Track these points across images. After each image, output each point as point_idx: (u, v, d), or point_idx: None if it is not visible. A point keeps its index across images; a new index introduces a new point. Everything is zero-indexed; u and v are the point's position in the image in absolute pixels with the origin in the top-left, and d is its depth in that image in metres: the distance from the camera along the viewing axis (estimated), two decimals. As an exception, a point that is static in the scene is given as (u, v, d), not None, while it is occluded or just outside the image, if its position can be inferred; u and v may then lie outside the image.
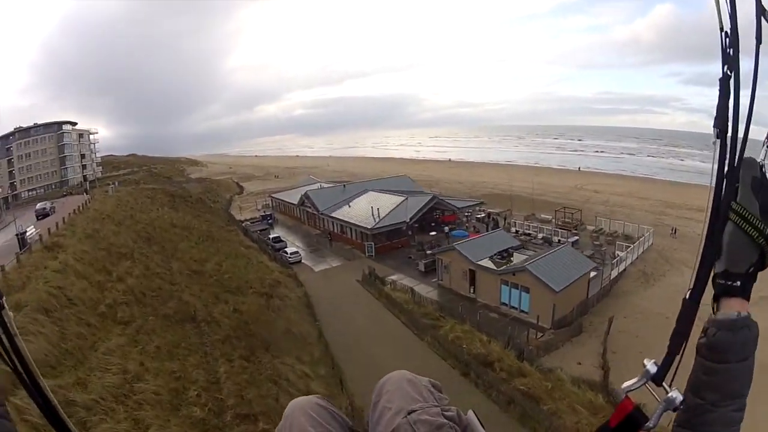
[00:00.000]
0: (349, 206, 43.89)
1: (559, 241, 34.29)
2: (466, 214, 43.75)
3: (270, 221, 51.83)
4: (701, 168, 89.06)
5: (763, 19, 0.88)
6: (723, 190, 0.83)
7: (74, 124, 73.54)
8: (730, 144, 0.85)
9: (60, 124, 70.44)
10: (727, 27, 0.88)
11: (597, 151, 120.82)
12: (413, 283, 29.78)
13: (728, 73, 0.88)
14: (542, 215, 43.16)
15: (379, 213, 38.15)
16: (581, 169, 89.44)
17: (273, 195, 60.76)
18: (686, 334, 0.83)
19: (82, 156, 73.50)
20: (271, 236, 43.77)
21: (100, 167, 79.86)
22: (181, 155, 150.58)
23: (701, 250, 0.81)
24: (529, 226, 39.21)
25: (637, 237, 35.37)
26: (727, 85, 0.88)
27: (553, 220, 41.22)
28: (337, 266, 35.32)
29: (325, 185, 54.66)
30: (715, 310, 0.81)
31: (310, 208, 47.55)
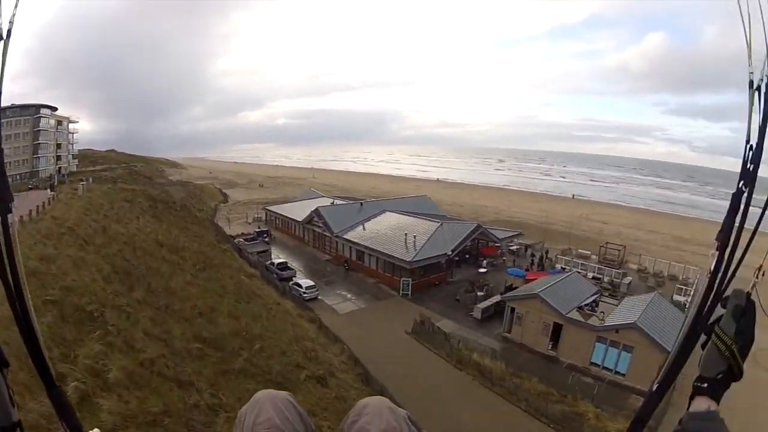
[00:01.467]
0: (364, 228, 38.56)
1: (621, 283, 31.82)
2: (497, 245, 39.61)
3: (266, 239, 44.31)
4: (695, 201, 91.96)
5: None
6: (712, 311, 0.95)
7: (54, 109, 67.29)
8: (726, 261, 0.91)
9: (38, 107, 64.30)
10: (753, 140, 0.87)
11: (591, 180, 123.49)
12: (471, 334, 25.31)
13: (743, 188, 0.89)
14: (579, 250, 40.35)
15: (415, 242, 32.94)
16: (575, 196, 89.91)
17: (268, 208, 54.15)
18: (645, 421, 1.01)
19: (58, 146, 67.23)
20: (275, 261, 36.10)
21: (76, 160, 74.46)
22: (159, 155, 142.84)
23: (674, 353, 0.99)
24: (575, 263, 35.69)
25: (683, 278, 34.38)
26: (738, 201, 0.90)
27: (594, 256, 38.59)
28: (365, 308, 29.41)
29: (338, 202, 48.26)
30: (688, 406, 0.96)
31: (320, 227, 41.25)
